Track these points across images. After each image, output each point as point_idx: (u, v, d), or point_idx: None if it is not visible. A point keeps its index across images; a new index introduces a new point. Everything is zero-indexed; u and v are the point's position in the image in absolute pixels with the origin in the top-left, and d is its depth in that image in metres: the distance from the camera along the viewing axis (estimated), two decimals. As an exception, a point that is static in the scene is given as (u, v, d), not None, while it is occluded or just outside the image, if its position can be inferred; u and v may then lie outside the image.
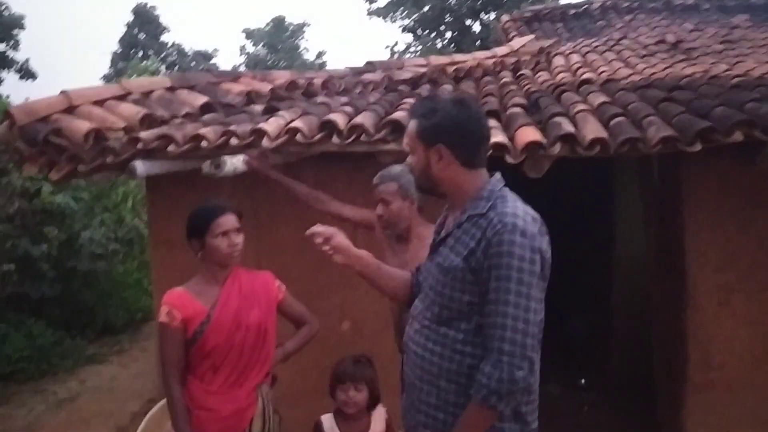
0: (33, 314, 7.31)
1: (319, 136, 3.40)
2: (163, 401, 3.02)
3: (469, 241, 1.87)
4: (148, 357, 7.00)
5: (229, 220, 2.53)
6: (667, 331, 4.37)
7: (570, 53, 6.36)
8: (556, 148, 3.31)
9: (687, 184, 4.05)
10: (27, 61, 19.50)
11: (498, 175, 2.02)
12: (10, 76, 19.40)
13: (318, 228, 2.15)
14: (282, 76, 4.68)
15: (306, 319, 2.81)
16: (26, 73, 19.49)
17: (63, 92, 3.73)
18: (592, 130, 3.37)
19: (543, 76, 5.32)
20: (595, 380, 5.62)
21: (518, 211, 1.87)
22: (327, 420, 2.81)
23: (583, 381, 5.64)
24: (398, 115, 3.51)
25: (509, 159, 3.31)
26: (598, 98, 3.94)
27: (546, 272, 1.89)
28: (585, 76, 4.85)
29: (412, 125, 2.01)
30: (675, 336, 4.22)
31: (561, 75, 5.26)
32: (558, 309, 6.69)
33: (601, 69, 5.45)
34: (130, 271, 9.39)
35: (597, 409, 5.14)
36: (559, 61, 5.98)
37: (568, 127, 3.39)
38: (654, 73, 5.02)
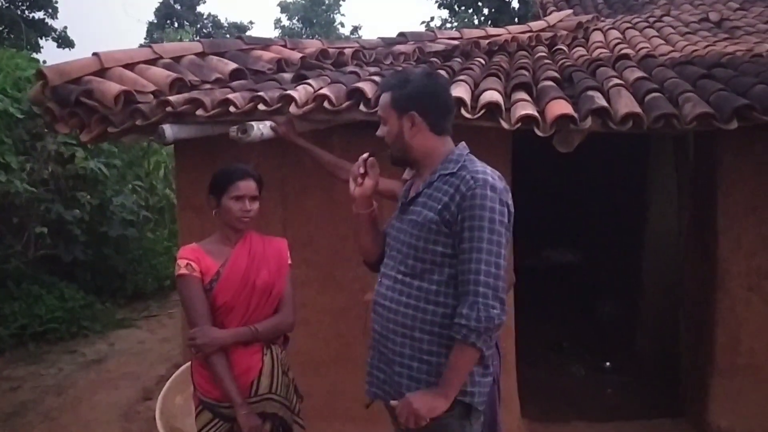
0: (65, 277, 7.49)
1: (346, 104, 3.36)
2: (187, 365, 3.06)
3: (442, 197, 2.08)
4: (176, 323, 7.11)
5: (247, 186, 2.56)
6: (696, 314, 4.30)
7: (609, 29, 6.23)
8: (588, 122, 3.23)
9: (723, 165, 3.95)
10: (65, 29, 19.79)
11: (463, 144, 2.23)
12: (48, 44, 19.68)
13: (372, 160, 2.27)
14: (313, 45, 4.65)
15: (284, 307, 2.67)
16: (64, 41, 19.78)
17: (95, 54, 3.74)
18: (626, 104, 3.28)
19: (579, 51, 5.22)
20: (620, 363, 5.57)
21: (487, 169, 2.10)
22: None
23: (608, 363, 5.59)
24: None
25: (539, 132, 3.25)
26: (634, 73, 3.84)
27: (510, 223, 2.10)
28: (622, 52, 4.73)
29: (385, 97, 2.20)
30: (703, 319, 4.15)
31: (598, 51, 5.15)
32: (586, 290, 6.71)
33: (641, 46, 5.33)
34: (160, 239, 9.55)
35: (621, 392, 5.10)
36: (597, 36, 5.85)
37: (600, 101, 3.30)
38: (695, 51, 4.88)
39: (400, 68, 4.12)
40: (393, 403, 2.08)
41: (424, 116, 2.13)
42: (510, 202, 2.09)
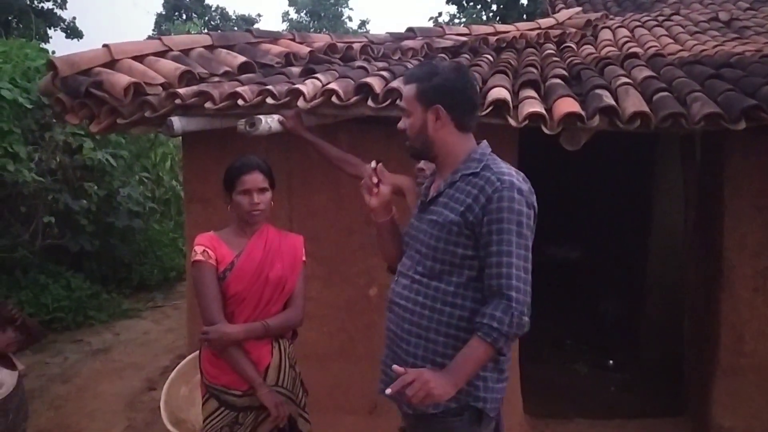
0: (71, 267, 7.54)
1: (354, 99, 3.36)
2: (192, 356, 3.08)
3: (465, 198, 2.02)
4: (181, 314, 7.15)
5: (252, 179, 2.55)
6: (700, 314, 4.30)
7: (618, 27, 6.21)
8: (595, 121, 3.22)
9: (730, 165, 3.94)
10: (74, 20, 19.78)
11: (486, 142, 2.17)
12: (57, 35, 19.63)
13: (381, 167, 2.21)
14: (321, 39, 4.65)
15: (294, 303, 2.69)
16: (73, 32, 19.76)
17: (105, 46, 3.75)
18: (634, 103, 3.27)
19: (588, 49, 5.20)
20: (623, 361, 5.57)
21: (512, 170, 2.04)
22: None
23: (611, 362, 5.60)
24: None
25: (546, 130, 3.24)
26: (643, 72, 3.83)
27: (534, 225, 2.04)
28: (631, 51, 4.72)
29: (410, 88, 2.13)
30: (707, 319, 4.15)
31: (607, 49, 5.14)
32: (590, 288, 6.71)
33: (649, 44, 5.31)
34: (165, 231, 9.58)
35: (623, 390, 5.11)
36: (605, 34, 5.83)
37: (608, 99, 3.30)
38: (703, 50, 4.86)
39: (412, 62, 4.10)
40: (399, 369, 1.89)
41: (450, 111, 2.07)
42: (535, 204, 2.03)
